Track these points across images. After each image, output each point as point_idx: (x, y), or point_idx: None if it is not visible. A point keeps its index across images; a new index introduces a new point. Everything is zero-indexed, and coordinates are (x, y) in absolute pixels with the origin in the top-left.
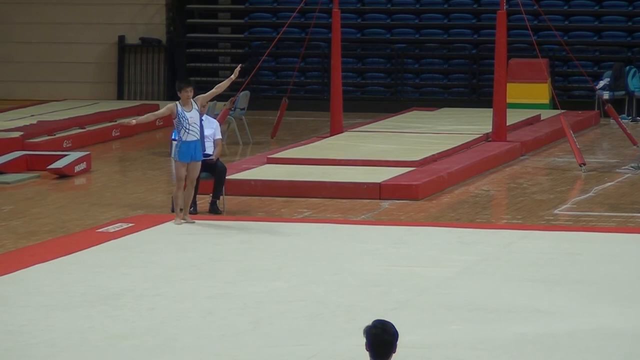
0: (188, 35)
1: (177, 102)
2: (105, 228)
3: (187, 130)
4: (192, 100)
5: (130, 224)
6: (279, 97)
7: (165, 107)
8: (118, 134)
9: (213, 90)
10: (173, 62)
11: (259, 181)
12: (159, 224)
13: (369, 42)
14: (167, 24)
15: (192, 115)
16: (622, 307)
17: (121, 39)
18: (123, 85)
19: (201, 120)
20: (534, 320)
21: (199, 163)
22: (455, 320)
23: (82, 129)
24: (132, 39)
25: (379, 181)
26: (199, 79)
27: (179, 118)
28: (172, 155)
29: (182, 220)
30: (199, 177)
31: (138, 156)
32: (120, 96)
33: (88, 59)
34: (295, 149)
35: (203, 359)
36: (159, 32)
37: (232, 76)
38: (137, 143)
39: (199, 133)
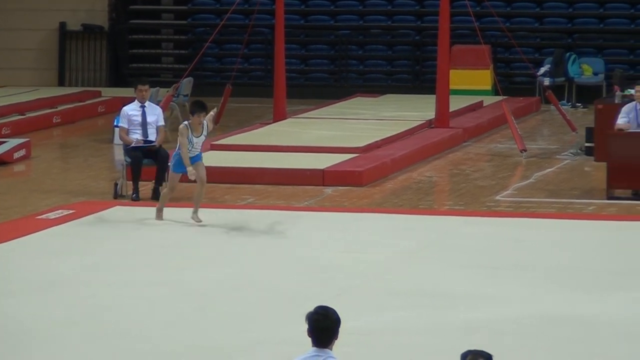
0: (130, 21)
1: (187, 124)
2: (46, 215)
3: (190, 149)
4: (204, 123)
5: (72, 211)
6: (222, 83)
7: (181, 135)
8: (59, 120)
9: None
10: (115, 49)
11: None
12: (100, 211)
13: (312, 29)
14: (109, 10)
15: (199, 140)
16: (565, 292)
17: (62, 25)
18: (64, 71)
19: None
20: (478, 306)
21: (202, 162)
22: (399, 306)
23: (21, 115)
24: (74, 26)
25: (322, 167)
26: (141, 65)
27: (186, 137)
28: (171, 169)
29: (162, 220)
30: (167, 170)
31: (79, 143)
32: (61, 83)
33: (29, 46)
34: (238, 135)
35: (148, 345)
36: (101, 19)
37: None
38: (78, 130)
39: (200, 149)
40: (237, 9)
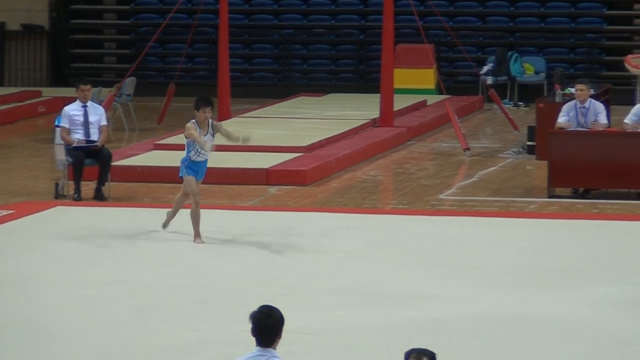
0: (72, 21)
1: (195, 122)
2: None
3: (197, 152)
4: (209, 121)
5: (11, 211)
6: (166, 83)
7: (189, 131)
8: None
9: (227, 131)
10: (56, 49)
11: (145, 167)
12: (41, 211)
13: (256, 28)
14: (49, 10)
15: (206, 139)
16: (507, 291)
17: (1, 25)
18: (4, 71)
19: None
20: (422, 304)
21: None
22: (342, 306)
23: None
24: (13, 25)
25: (266, 167)
26: (83, 65)
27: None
28: (180, 175)
29: (166, 227)
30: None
31: (19, 143)
32: (0, 82)
33: None
34: (182, 135)
35: (89, 346)
36: (41, 19)
37: (241, 138)
38: (18, 130)
39: (208, 154)
40: (181, 9)
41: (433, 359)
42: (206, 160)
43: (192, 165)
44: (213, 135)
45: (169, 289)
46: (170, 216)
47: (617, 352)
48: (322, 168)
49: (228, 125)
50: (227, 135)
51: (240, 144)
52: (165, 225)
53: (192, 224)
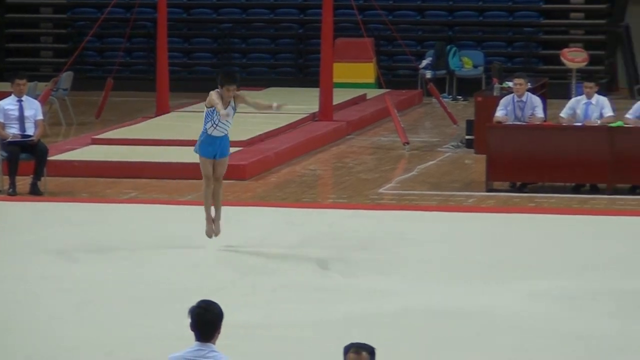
0: (7, 15)
1: (219, 91)
2: None
3: (214, 125)
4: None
5: None
6: (104, 77)
7: (211, 97)
8: None
9: (255, 101)
10: None
11: (82, 162)
12: None
13: (195, 22)
14: None
15: (227, 111)
16: (447, 285)
17: None
18: None
19: (214, 118)
20: (361, 299)
21: (226, 159)
22: (282, 300)
23: None
24: None
25: None
26: (19, 59)
27: (213, 109)
28: (195, 150)
29: (213, 233)
30: None
31: None
32: None
33: None
34: (120, 129)
35: (25, 342)
36: None
37: (274, 105)
38: None
39: (227, 129)
40: (119, 3)
41: (372, 353)
42: (226, 136)
43: (209, 140)
44: (234, 109)
45: (106, 285)
46: (210, 218)
47: (554, 344)
48: (261, 162)
49: (166, 119)
50: (255, 105)
51: (274, 111)
52: (211, 233)
53: (208, 205)
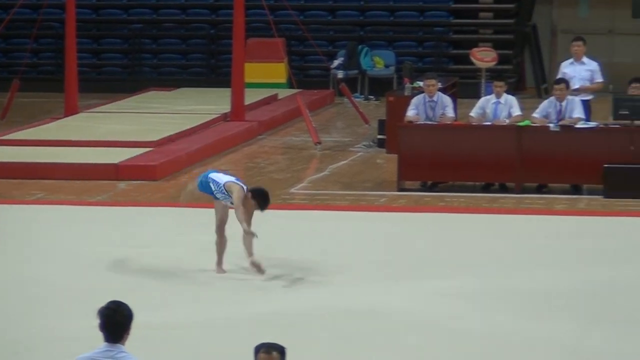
0: None
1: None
2: None
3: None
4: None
5: None
6: (10, 78)
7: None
8: None
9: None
10: None
11: None
12: None
13: (105, 23)
14: None
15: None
16: (357, 284)
17: None
18: None
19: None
20: (271, 299)
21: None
22: (192, 300)
23: None
24: None
25: (115, 162)
26: None
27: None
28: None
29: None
30: None
31: None
32: None
33: None
34: (28, 130)
35: None
36: None
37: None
38: None
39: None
40: (25, 3)
41: (283, 353)
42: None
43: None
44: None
45: (13, 286)
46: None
47: (454, 343)
48: (173, 163)
49: (75, 120)
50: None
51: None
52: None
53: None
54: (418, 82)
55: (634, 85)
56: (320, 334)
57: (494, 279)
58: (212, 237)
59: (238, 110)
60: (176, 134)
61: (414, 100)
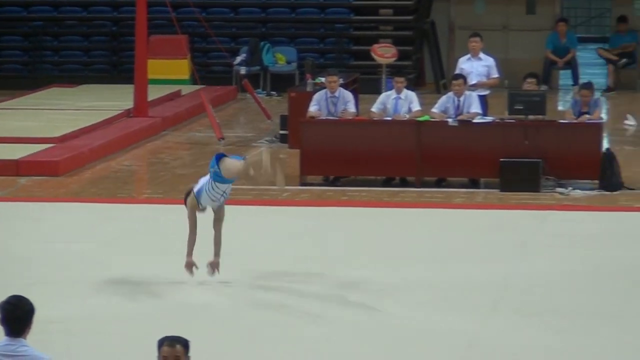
0: None
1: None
2: None
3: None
4: None
5: None
6: None
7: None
8: None
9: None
10: None
11: None
12: None
13: (4, 20)
14: None
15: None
16: (260, 278)
17: None
18: None
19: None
20: (175, 292)
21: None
22: (95, 294)
23: None
24: None
25: (15, 158)
26: None
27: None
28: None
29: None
30: None
31: None
32: None
33: None
34: None
35: None
36: None
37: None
38: None
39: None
40: None
41: (186, 345)
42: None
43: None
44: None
45: None
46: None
47: (360, 334)
48: (75, 158)
49: None
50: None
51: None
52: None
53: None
54: (320, 78)
55: (528, 80)
56: (224, 326)
57: (396, 270)
58: (119, 231)
59: (141, 107)
60: (79, 129)
61: (316, 96)
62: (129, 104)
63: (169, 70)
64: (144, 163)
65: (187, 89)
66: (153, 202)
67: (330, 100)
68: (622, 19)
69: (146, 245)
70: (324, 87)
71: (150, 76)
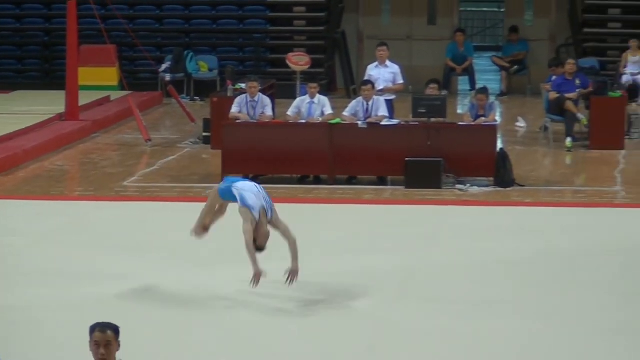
0: None
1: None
2: None
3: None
4: None
5: None
6: None
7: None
8: None
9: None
10: None
11: None
12: None
13: None
14: None
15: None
16: (183, 268)
17: None
18: None
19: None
20: (104, 282)
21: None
22: (30, 285)
23: None
24: None
25: None
26: None
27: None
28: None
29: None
30: None
31: None
32: None
33: None
34: None
35: None
36: None
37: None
38: None
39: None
40: None
41: (117, 331)
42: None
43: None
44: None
45: None
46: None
47: (265, 320)
48: (10, 159)
49: None
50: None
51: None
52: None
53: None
54: (239, 84)
55: (431, 86)
56: (151, 313)
57: (311, 262)
58: (52, 227)
59: (73, 111)
60: (14, 132)
61: (237, 100)
62: (61, 108)
63: (98, 77)
64: (76, 163)
65: (115, 95)
66: (84, 199)
67: (250, 104)
68: (514, 29)
69: (78, 240)
70: (244, 92)
71: (80, 83)
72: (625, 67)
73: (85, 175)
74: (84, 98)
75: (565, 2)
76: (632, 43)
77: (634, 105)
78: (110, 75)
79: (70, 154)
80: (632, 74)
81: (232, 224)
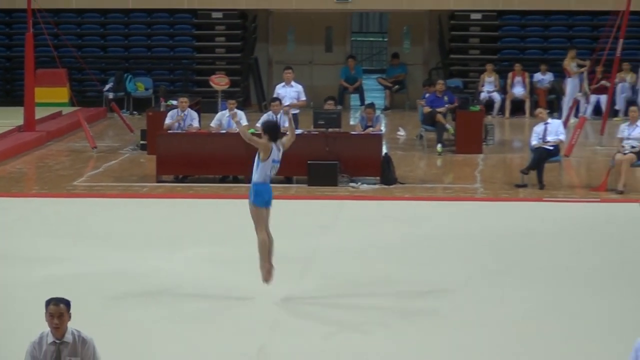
0: None
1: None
2: None
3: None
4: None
5: None
6: None
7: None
8: None
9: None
10: None
11: None
12: None
13: None
14: None
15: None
16: (128, 253)
17: None
18: None
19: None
20: (54, 266)
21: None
22: None
23: None
24: None
25: None
26: None
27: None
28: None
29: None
30: None
31: None
32: None
33: None
34: None
35: None
36: None
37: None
38: None
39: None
40: None
41: (68, 305)
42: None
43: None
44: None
45: None
46: (263, 266)
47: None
48: None
49: None
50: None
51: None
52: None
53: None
54: (171, 101)
55: (328, 102)
56: (97, 291)
57: (235, 248)
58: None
59: (30, 123)
60: None
61: (170, 113)
62: (19, 121)
63: (52, 96)
64: (33, 166)
65: (66, 110)
66: (40, 196)
67: (181, 117)
68: (395, 55)
69: (34, 229)
70: (175, 108)
71: (37, 100)
72: (482, 86)
73: (41, 177)
74: (40, 113)
75: (435, 33)
76: (488, 67)
77: (489, 117)
78: (61, 94)
79: (28, 159)
80: (488, 92)
81: (166, 217)
